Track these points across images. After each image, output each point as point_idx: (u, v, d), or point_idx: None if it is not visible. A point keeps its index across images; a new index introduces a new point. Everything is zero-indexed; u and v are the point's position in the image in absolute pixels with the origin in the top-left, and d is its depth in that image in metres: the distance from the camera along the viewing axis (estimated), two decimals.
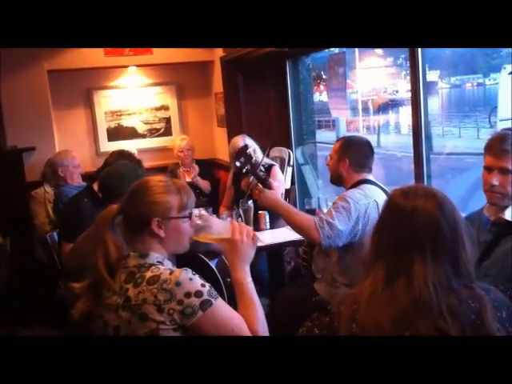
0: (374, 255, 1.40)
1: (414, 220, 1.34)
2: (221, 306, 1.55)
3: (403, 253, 1.33)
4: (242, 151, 2.81)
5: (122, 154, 3.50)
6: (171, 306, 1.51)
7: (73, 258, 2.50)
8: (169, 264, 1.67)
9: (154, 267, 1.60)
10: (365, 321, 1.29)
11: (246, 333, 1.57)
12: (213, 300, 1.53)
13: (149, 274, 1.57)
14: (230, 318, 1.56)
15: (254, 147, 4.09)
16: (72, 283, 1.67)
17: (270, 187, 2.71)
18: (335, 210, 2.53)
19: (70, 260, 2.57)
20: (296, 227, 2.64)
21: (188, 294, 1.51)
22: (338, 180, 2.76)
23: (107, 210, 1.70)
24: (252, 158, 2.79)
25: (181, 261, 1.78)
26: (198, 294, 1.52)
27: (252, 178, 3.05)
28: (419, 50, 3.06)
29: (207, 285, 1.56)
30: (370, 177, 2.70)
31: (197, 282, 1.55)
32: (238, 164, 2.78)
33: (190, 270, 1.57)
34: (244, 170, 2.78)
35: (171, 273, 1.56)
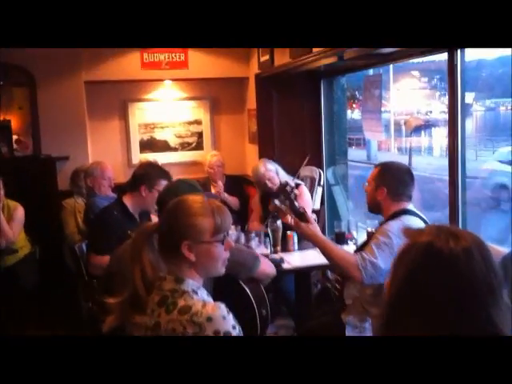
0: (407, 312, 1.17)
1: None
2: None
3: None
4: (282, 188, 2.74)
5: (151, 166, 3.48)
6: None
7: (108, 271, 2.49)
8: (204, 293, 1.62)
9: (187, 295, 1.56)
10: None
11: None
12: None
13: (181, 303, 1.53)
14: None
15: (275, 169, 4.07)
16: (107, 297, 1.65)
17: (307, 220, 2.61)
18: (377, 247, 2.44)
19: (104, 272, 2.57)
20: (336, 264, 2.54)
21: (217, 333, 1.47)
22: (375, 208, 2.67)
23: (144, 227, 1.68)
24: (291, 193, 2.72)
25: (219, 285, 1.74)
26: (227, 334, 1.48)
27: (279, 202, 3.00)
28: (459, 70, 2.99)
29: (238, 328, 1.51)
30: (410, 206, 2.61)
31: (229, 322, 1.50)
32: (278, 203, 2.71)
33: (224, 307, 1.52)
34: (283, 207, 2.71)
35: (204, 306, 1.51)
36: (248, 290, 2.40)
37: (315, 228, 2.59)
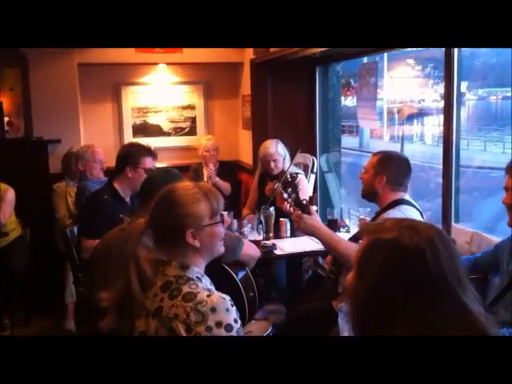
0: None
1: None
2: None
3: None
4: (292, 182, 2.72)
5: (132, 145, 3.42)
6: (200, 329, 1.47)
7: (96, 255, 2.47)
8: (207, 281, 1.63)
9: (192, 282, 1.56)
10: None
11: None
12: None
13: (186, 289, 1.54)
14: None
15: (284, 154, 4.06)
16: (100, 292, 1.63)
17: (309, 213, 2.60)
18: None
19: (92, 258, 2.55)
20: (339, 256, 2.54)
21: (219, 324, 1.47)
22: (370, 196, 2.67)
23: (136, 225, 1.65)
24: (298, 187, 2.71)
25: (205, 270, 1.75)
26: (228, 328, 1.48)
27: (277, 184, 2.98)
28: (455, 60, 2.99)
29: (239, 323, 1.52)
30: (407, 196, 2.61)
31: (232, 315, 1.50)
32: (285, 196, 2.69)
33: (229, 300, 1.53)
34: (289, 200, 2.70)
35: (209, 295, 1.52)
36: (233, 274, 2.41)
37: (316, 220, 2.58)
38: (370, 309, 1.15)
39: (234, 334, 1.48)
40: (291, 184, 2.69)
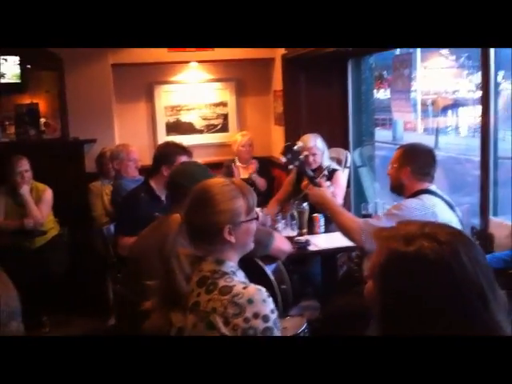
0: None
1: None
2: None
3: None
4: (289, 147, 2.78)
5: (167, 144, 3.46)
6: (237, 321, 1.48)
7: (133, 253, 2.51)
8: (241, 275, 1.65)
9: (227, 276, 1.58)
10: None
11: None
12: (275, 330, 1.50)
13: (222, 283, 1.55)
14: None
15: (323, 149, 4.01)
16: (147, 281, 1.65)
17: (319, 186, 2.68)
18: (385, 216, 2.48)
19: (129, 255, 2.59)
20: (340, 227, 2.59)
21: (256, 315, 1.48)
22: (398, 188, 2.66)
23: (173, 222, 1.67)
24: (300, 154, 2.76)
25: (238, 264, 1.76)
26: (266, 318, 1.49)
27: (285, 159, 3.01)
28: (492, 50, 2.92)
29: (276, 313, 1.53)
30: (433, 187, 2.59)
31: (269, 305, 1.52)
32: (284, 160, 2.77)
33: (265, 291, 1.54)
34: (291, 167, 2.76)
35: (245, 287, 1.53)
36: (264, 267, 2.41)
37: (325, 192, 2.66)
38: (395, 322, 1.11)
39: (270, 324, 1.49)
40: (290, 150, 2.76)
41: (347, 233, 2.54)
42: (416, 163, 2.57)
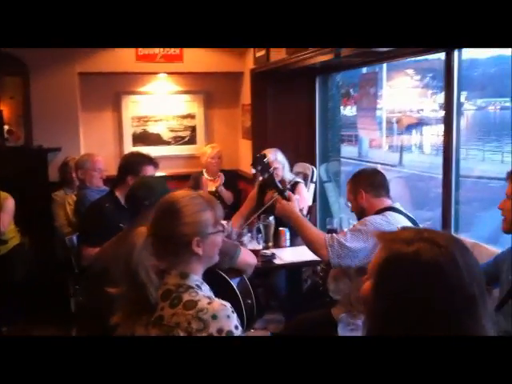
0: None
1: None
2: None
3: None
4: (260, 159, 2.80)
5: (133, 155, 3.45)
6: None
7: (97, 264, 2.47)
8: (206, 288, 1.64)
9: (192, 290, 1.57)
10: None
11: None
12: None
13: (186, 297, 1.54)
14: None
15: (283, 164, 4.06)
16: (109, 288, 1.63)
17: (288, 199, 2.70)
18: (350, 231, 2.52)
19: (93, 264, 2.55)
20: (306, 242, 2.62)
21: (220, 331, 1.48)
22: (362, 214, 2.69)
23: (139, 234, 1.63)
24: (270, 167, 2.79)
25: (202, 277, 1.75)
26: (229, 334, 1.49)
27: (254, 170, 3.03)
28: (455, 69, 3.01)
29: (240, 329, 1.53)
30: (397, 204, 2.64)
31: (233, 321, 1.51)
32: (253, 171, 2.79)
33: (229, 307, 1.54)
34: (260, 178, 2.79)
35: (210, 303, 1.52)
36: (230, 280, 2.40)
37: (293, 206, 2.68)
38: (387, 321, 1.14)
39: None
40: (261, 162, 2.79)
41: (313, 247, 2.56)
42: (365, 182, 2.65)
